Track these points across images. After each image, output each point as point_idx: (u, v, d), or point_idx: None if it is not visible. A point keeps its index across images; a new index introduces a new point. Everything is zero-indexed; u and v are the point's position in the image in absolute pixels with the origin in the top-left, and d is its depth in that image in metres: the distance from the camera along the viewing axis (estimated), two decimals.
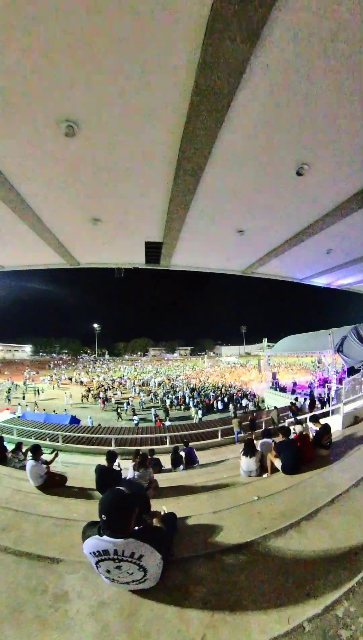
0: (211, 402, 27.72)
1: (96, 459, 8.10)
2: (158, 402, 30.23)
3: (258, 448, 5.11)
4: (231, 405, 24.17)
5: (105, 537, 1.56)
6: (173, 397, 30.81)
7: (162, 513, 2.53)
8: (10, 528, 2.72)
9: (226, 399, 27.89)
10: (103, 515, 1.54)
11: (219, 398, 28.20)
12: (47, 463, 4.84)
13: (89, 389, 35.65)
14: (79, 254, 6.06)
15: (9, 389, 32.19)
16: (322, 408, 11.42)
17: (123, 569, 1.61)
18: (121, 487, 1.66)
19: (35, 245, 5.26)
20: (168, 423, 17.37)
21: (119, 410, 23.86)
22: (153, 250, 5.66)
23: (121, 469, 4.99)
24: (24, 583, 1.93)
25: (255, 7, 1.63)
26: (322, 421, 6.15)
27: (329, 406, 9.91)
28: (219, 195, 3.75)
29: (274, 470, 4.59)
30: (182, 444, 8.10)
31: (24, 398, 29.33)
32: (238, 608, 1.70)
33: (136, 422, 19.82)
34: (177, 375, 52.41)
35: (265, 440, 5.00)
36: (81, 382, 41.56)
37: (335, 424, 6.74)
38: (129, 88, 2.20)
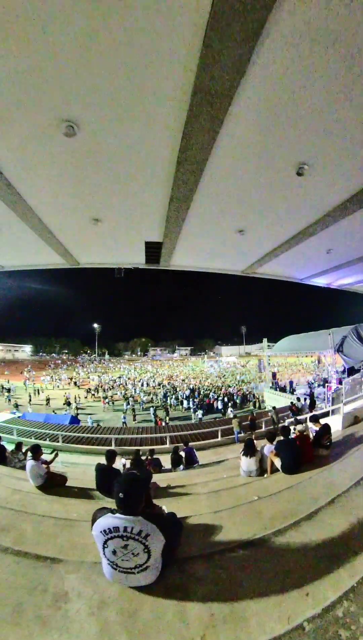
0: (211, 402, 27.80)
1: (96, 459, 8.09)
2: (158, 402, 30.27)
3: (258, 449, 5.12)
4: (230, 406, 24.19)
5: (117, 515, 1.70)
6: (173, 397, 30.81)
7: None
8: (10, 528, 2.72)
9: (226, 399, 27.95)
10: (120, 494, 1.70)
11: (220, 398, 28.26)
12: (47, 463, 4.85)
13: (88, 389, 35.65)
14: (79, 254, 6.06)
15: (9, 390, 32.12)
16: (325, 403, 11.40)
17: (129, 548, 1.68)
18: (134, 471, 1.87)
19: (35, 245, 5.26)
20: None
21: (78, 411, 23.96)
22: (153, 250, 5.66)
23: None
24: (24, 583, 1.93)
25: (255, 6, 1.63)
26: (322, 421, 6.15)
27: (329, 406, 9.91)
28: (219, 195, 3.75)
29: (274, 470, 4.59)
30: (182, 444, 8.10)
31: (30, 400, 28.93)
32: (238, 608, 1.70)
33: (123, 419, 20.95)
34: (176, 375, 52.43)
35: (267, 446, 5.00)
36: (75, 384, 41.43)
37: (335, 424, 6.75)
38: (129, 88, 2.20)
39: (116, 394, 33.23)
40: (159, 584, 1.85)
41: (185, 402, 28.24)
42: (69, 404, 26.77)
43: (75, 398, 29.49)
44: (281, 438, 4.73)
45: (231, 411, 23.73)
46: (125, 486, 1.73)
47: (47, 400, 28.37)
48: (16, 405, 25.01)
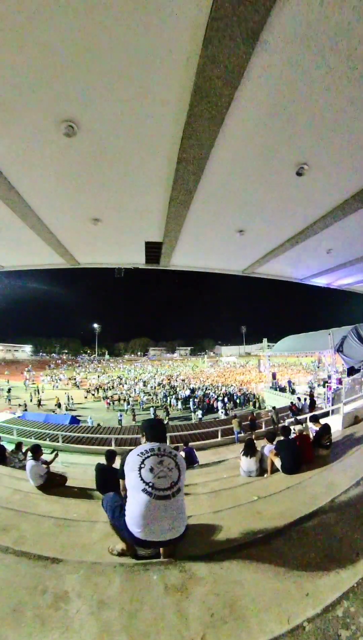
0: (211, 402, 27.81)
1: (96, 459, 8.10)
2: (158, 402, 30.30)
3: (258, 448, 5.11)
4: (228, 408, 24.18)
5: (153, 442, 2.14)
6: (173, 397, 30.82)
7: None
8: (10, 528, 2.72)
9: (226, 399, 27.95)
10: (159, 427, 2.34)
11: (220, 398, 28.26)
12: (47, 463, 4.85)
13: (88, 389, 35.64)
14: (79, 254, 6.05)
15: (9, 389, 32.08)
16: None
17: (164, 463, 1.99)
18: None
19: (35, 245, 5.26)
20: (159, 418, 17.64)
21: (69, 412, 23.91)
22: (153, 250, 5.65)
23: None
24: (24, 583, 1.92)
25: (255, 7, 1.63)
26: (322, 421, 6.16)
27: (329, 406, 9.91)
28: (219, 195, 3.74)
29: (274, 470, 4.59)
30: (182, 444, 8.10)
31: (31, 400, 28.57)
32: (238, 608, 1.69)
33: (120, 417, 21.60)
34: (177, 375, 52.44)
35: (267, 446, 5.00)
36: (75, 384, 41.42)
37: (335, 424, 6.75)
38: (129, 88, 2.20)
39: (116, 393, 33.21)
40: (161, 582, 1.85)
41: (180, 403, 28.29)
42: (59, 405, 26.20)
43: (68, 399, 28.97)
44: (281, 438, 4.73)
45: (222, 412, 23.53)
46: (161, 424, 2.47)
47: (39, 401, 27.58)
48: (25, 406, 24.86)
